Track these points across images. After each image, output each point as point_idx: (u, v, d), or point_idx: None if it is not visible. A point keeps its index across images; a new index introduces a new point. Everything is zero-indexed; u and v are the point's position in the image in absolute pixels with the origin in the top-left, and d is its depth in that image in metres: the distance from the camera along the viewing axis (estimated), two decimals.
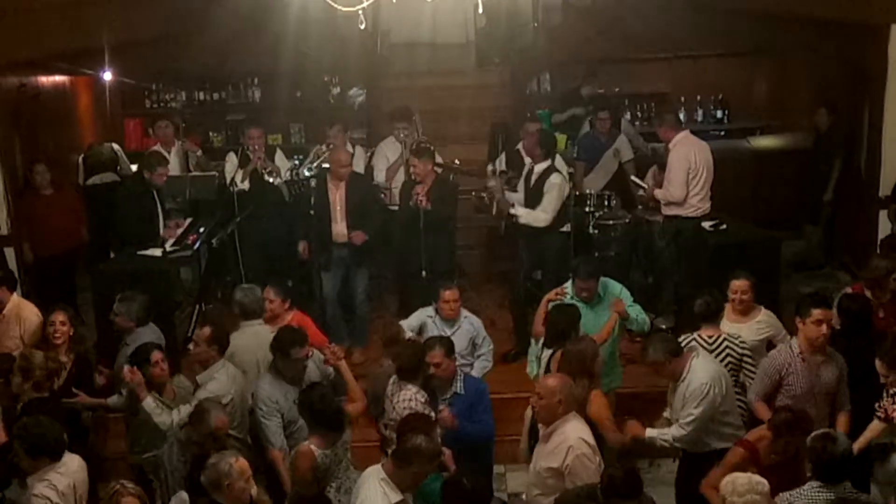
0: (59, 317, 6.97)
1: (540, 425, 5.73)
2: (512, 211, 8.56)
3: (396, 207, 9.09)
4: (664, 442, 6.04)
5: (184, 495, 5.36)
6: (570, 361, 6.15)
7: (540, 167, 8.55)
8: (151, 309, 7.18)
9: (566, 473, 5.47)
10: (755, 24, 10.77)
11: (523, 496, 5.92)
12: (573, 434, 5.52)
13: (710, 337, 6.53)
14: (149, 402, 6.21)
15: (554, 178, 8.41)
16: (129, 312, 7.06)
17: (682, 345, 6.38)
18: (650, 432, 6.12)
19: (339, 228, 8.59)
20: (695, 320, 6.65)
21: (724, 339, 6.54)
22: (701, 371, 5.99)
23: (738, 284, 6.91)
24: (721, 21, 10.88)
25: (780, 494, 5.09)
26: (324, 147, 9.29)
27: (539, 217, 8.43)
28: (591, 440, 5.57)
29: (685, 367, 6.03)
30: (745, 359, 6.54)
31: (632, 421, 6.31)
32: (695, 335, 6.56)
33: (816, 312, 6.10)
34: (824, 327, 6.11)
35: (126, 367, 6.32)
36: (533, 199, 8.52)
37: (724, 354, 6.48)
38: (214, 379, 6.36)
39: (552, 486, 5.55)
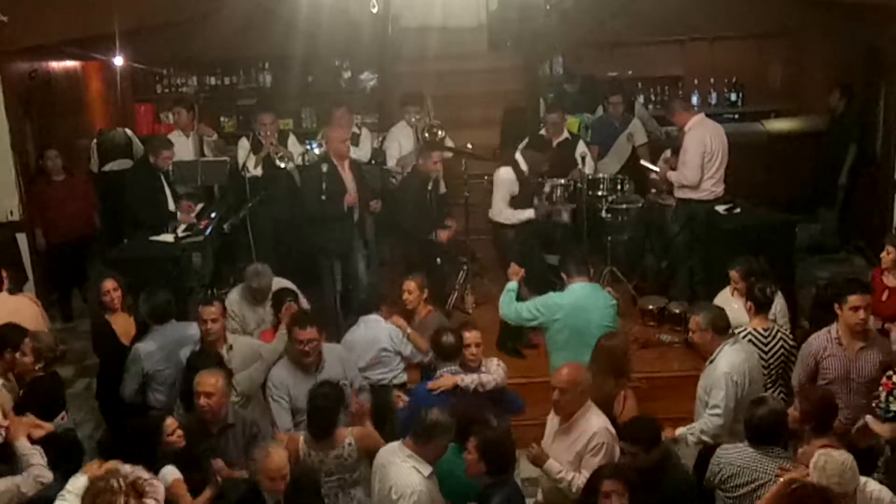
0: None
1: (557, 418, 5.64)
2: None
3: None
4: (692, 437, 5.89)
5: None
6: (600, 358, 6.04)
7: None
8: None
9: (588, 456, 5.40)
10: (770, 5, 10.69)
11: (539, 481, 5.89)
12: (595, 424, 5.47)
13: (764, 330, 6.40)
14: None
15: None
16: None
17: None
18: (679, 431, 5.97)
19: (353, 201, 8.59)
20: (755, 308, 6.48)
21: (778, 331, 6.44)
22: (725, 360, 5.87)
23: (734, 273, 6.94)
24: (736, 3, 10.80)
25: (724, 445, 5.23)
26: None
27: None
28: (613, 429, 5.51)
29: (717, 347, 5.94)
30: (795, 351, 6.41)
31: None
32: (749, 329, 6.42)
33: (853, 299, 5.98)
34: (861, 313, 5.97)
35: None
36: None
37: (777, 346, 6.38)
38: None
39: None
